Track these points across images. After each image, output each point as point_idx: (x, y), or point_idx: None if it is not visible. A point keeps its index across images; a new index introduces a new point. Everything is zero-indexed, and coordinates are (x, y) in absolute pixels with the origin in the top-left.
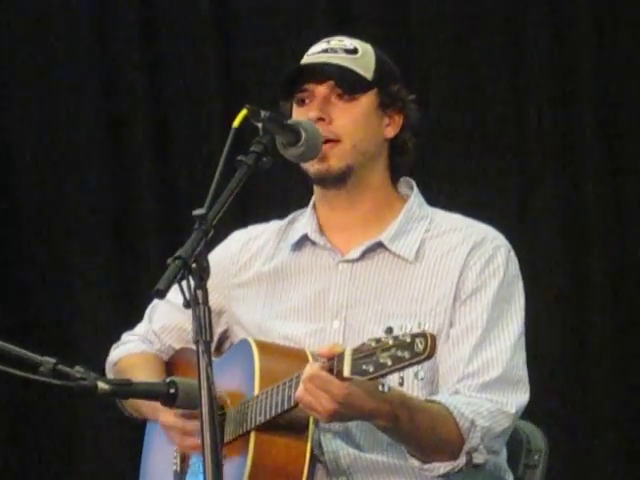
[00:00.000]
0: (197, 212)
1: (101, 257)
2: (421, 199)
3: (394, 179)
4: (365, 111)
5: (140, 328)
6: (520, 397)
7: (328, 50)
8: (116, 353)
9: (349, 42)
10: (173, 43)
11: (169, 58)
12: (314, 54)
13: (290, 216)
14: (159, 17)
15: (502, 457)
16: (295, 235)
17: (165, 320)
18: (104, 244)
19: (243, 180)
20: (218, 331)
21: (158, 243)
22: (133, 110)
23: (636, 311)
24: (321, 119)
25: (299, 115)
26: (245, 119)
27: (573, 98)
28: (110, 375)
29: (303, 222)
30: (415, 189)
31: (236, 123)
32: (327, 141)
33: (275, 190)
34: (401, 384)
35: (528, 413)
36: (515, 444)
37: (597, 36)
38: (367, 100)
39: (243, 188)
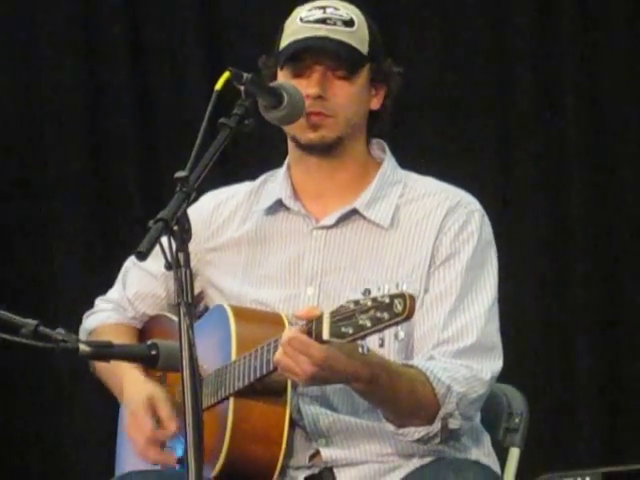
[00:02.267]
0: (179, 174)
1: (82, 220)
2: (394, 162)
3: (368, 142)
4: (360, 88)
5: (113, 294)
6: (494, 363)
7: (326, 21)
8: (90, 321)
9: (344, 11)
10: (154, 8)
11: (150, 22)
12: (310, 22)
13: (262, 177)
14: None
15: (477, 419)
16: (268, 199)
17: (138, 286)
18: (84, 207)
19: (225, 142)
20: None
21: (139, 205)
22: (115, 77)
23: (617, 279)
24: (319, 96)
25: (293, 85)
26: (227, 81)
27: (557, 72)
28: None
29: (277, 186)
30: (388, 152)
31: (218, 85)
32: (320, 114)
33: (256, 151)
34: (381, 345)
35: (509, 376)
36: (496, 407)
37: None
38: (362, 76)
39: (225, 150)
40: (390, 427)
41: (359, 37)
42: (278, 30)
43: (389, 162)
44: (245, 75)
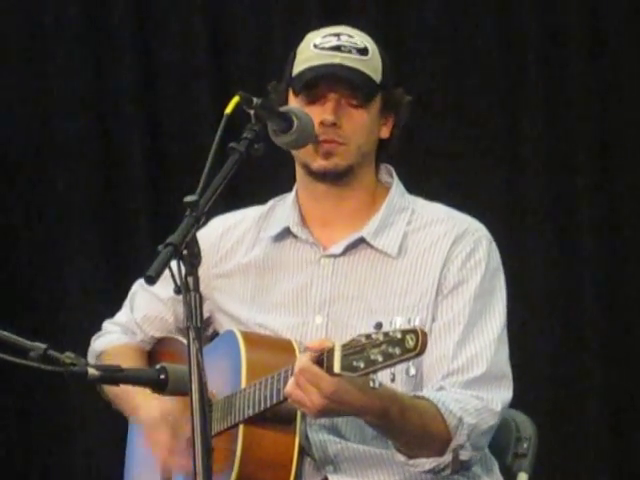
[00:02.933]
0: (188, 199)
1: (91, 244)
2: (401, 188)
3: (377, 170)
4: (372, 117)
5: (121, 317)
6: (504, 393)
7: (341, 48)
8: (98, 344)
9: (359, 39)
10: (165, 33)
11: (161, 47)
12: (325, 50)
13: (270, 202)
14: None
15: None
16: (276, 226)
17: (146, 310)
18: (94, 230)
19: (235, 167)
20: None
21: (149, 229)
22: (123, 100)
23: (628, 302)
24: (334, 124)
25: (305, 112)
26: (237, 106)
27: (565, 85)
28: None
29: (285, 213)
30: (395, 178)
31: (228, 110)
32: (333, 142)
33: (266, 176)
34: (392, 380)
35: (517, 401)
36: (505, 432)
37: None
38: (375, 105)
39: (235, 175)
40: (401, 458)
41: (373, 66)
42: (289, 55)
43: (397, 188)
44: (255, 99)
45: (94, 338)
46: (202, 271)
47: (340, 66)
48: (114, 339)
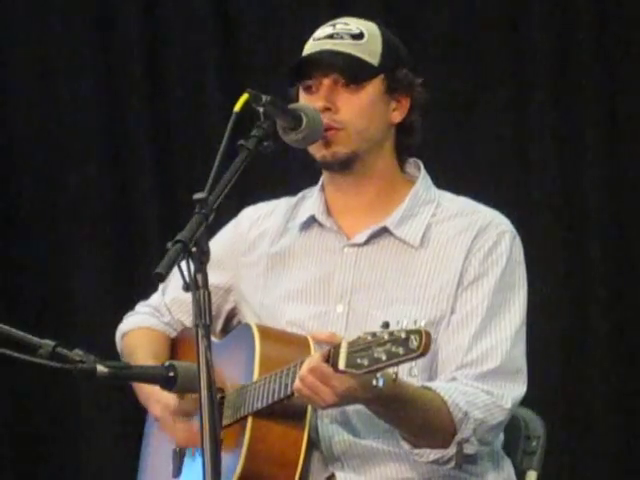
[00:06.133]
0: (197, 196)
1: (100, 240)
2: (428, 181)
3: (401, 161)
4: (371, 99)
5: (153, 299)
6: (517, 389)
7: (334, 35)
8: (126, 323)
9: (355, 25)
10: (172, 24)
11: (169, 44)
12: (320, 39)
13: (300, 194)
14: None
15: (498, 443)
16: (303, 215)
17: (177, 293)
18: (103, 227)
19: (244, 164)
20: (227, 308)
21: (157, 226)
22: (132, 96)
23: (635, 302)
24: (327, 109)
25: (306, 102)
26: (246, 103)
27: (574, 84)
28: (118, 344)
29: (311, 202)
30: (422, 171)
31: (237, 107)
32: (331, 128)
33: (275, 174)
34: (394, 380)
35: (526, 400)
36: (513, 430)
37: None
38: (373, 87)
39: (244, 172)
40: (406, 446)
41: (368, 49)
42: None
43: (423, 181)
44: (264, 97)
45: (126, 316)
46: (231, 260)
47: (328, 52)
48: (140, 320)
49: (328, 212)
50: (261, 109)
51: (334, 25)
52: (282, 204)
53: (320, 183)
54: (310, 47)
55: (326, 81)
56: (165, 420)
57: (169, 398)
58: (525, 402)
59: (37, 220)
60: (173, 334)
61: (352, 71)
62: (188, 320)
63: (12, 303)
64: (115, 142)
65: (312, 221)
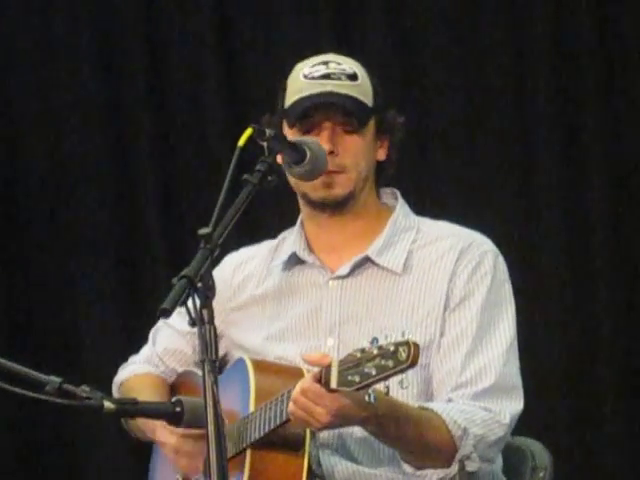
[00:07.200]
0: (202, 231)
1: (106, 277)
2: (406, 209)
3: (378, 192)
4: (368, 142)
5: (145, 350)
6: (514, 405)
7: (331, 76)
8: (121, 374)
9: (347, 65)
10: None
11: (171, 77)
12: (315, 79)
13: (280, 235)
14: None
15: (497, 466)
16: (284, 254)
17: (167, 343)
18: (109, 264)
19: (248, 199)
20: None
21: (164, 262)
22: (136, 127)
23: None
24: (331, 152)
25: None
26: (250, 138)
27: (577, 91)
28: (116, 396)
29: (291, 241)
30: (400, 199)
31: (241, 142)
32: (333, 172)
33: (281, 208)
34: (386, 394)
35: (532, 429)
36: (521, 461)
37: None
38: (369, 130)
39: (248, 207)
40: (408, 469)
41: (364, 90)
42: (279, 87)
43: (401, 209)
44: (268, 131)
45: (119, 370)
46: (218, 307)
47: (332, 94)
48: (136, 369)
49: (309, 248)
50: (265, 144)
51: (326, 64)
52: (263, 247)
53: (299, 220)
54: (305, 87)
55: (328, 124)
56: (168, 455)
57: (172, 439)
58: (532, 432)
59: (44, 255)
60: (170, 381)
61: (359, 114)
62: (181, 369)
63: (17, 339)
64: (121, 173)
65: (294, 258)
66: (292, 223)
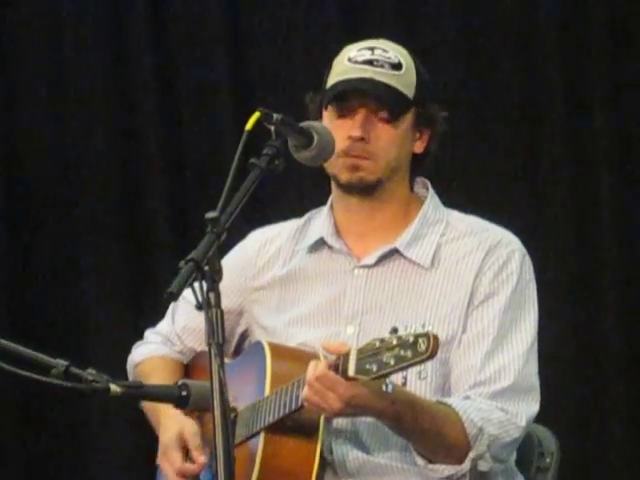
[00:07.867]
0: (209, 215)
1: (114, 260)
2: (437, 200)
3: (412, 183)
4: (403, 132)
5: (163, 327)
6: (531, 407)
7: (373, 62)
8: (138, 353)
9: (393, 53)
10: (183, 47)
11: (180, 61)
12: (358, 64)
13: (306, 215)
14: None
15: (512, 460)
16: (311, 237)
17: (187, 321)
18: (116, 249)
19: (255, 183)
20: (238, 331)
21: (170, 245)
22: (144, 121)
23: None
24: (361, 138)
25: (338, 127)
26: (258, 122)
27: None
28: (130, 374)
29: (319, 224)
30: (430, 190)
31: (249, 126)
32: (360, 156)
33: (288, 192)
34: (404, 384)
35: (540, 416)
36: (527, 447)
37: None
38: (406, 121)
39: (255, 191)
40: (420, 461)
41: (405, 81)
42: (326, 67)
43: (431, 201)
44: (275, 115)
45: (135, 346)
46: (241, 283)
47: (370, 80)
48: (153, 349)
49: (337, 234)
50: (272, 127)
51: (372, 50)
52: (289, 226)
53: (329, 203)
54: (347, 70)
55: (363, 110)
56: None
57: (176, 458)
58: (538, 418)
59: (51, 242)
60: (186, 362)
61: (393, 105)
62: (200, 348)
63: (24, 323)
64: (128, 166)
65: (321, 243)
66: (300, 207)
